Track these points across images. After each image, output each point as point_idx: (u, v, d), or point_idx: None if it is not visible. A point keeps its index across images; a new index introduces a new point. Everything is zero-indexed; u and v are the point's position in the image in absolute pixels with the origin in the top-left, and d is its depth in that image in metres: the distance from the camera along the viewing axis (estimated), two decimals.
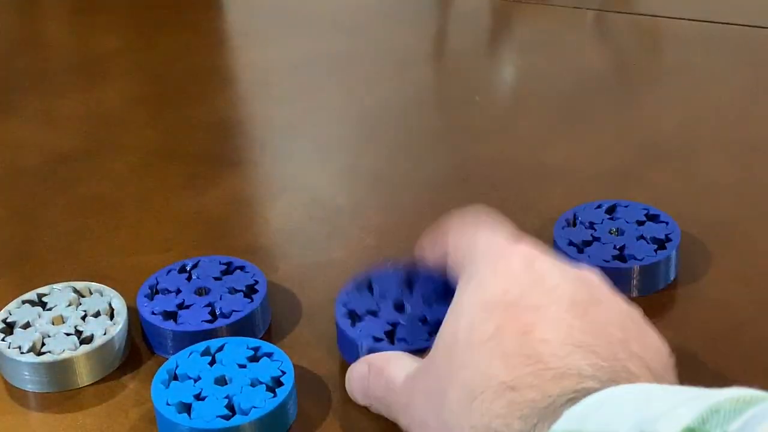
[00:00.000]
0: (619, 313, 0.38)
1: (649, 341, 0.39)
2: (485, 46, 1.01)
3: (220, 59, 0.98)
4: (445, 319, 0.40)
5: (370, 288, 0.51)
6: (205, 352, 0.51)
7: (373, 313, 0.50)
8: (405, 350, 0.46)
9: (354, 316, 0.50)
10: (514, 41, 1.03)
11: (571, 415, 0.30)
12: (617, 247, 0.58)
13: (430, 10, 1.10)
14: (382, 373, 0.44)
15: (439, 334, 0.40)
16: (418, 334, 0.47)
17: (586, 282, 0.39)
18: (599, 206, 0.62)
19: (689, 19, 0.96)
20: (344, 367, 0.50)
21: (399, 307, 0.50)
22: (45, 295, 0.57)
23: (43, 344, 0.53)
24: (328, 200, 0.71)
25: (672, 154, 0.74)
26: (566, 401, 0.32)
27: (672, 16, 0.98)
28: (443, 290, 0.47)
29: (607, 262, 0.56)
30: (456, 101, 0.86)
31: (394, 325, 0.48)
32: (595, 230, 0.60)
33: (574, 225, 0.61)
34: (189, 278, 0.57)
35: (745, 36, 0.94)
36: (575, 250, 0.58)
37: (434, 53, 1.00)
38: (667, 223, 0.60)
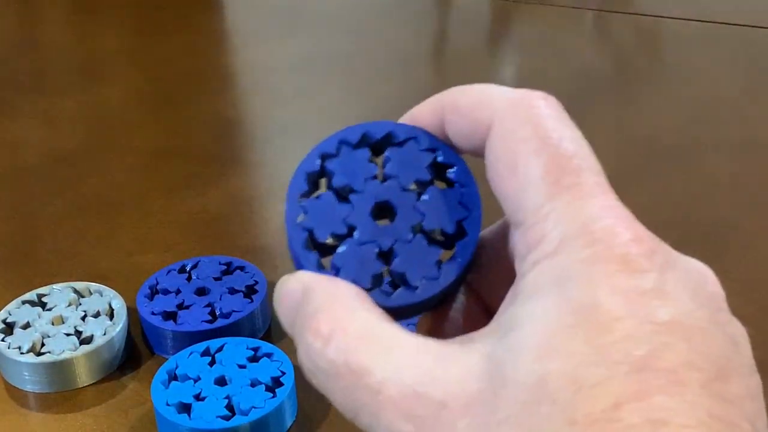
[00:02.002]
0: (751, 375, 0.24)
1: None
2: (485, 46, 1.01)
3: (220, 59, 0.98)
4: (513, 321, 0.23)
5: (319, 178, 0.29)
6: (205, 353, 0.51)
7: (349, 234, 0.27)
8: (406, 303, 0.27)
9: (317, 244, 0.28)
10: (514, 41, 1.03)
11: None
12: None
13: (430, 10, 1.10)
14: (339, 350, 0.24)
15: (505, 358, 0.22)
16: (421, 265, 0.27)
17: (718, 310, 0.25)
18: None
19: (689, 19, 0.96)
20: None
21: (384, 212, 0.28)
22: (45, 295, 0.57)
23: (43, 344, 0.53)
24: None
25: (672, 154, 0.74)
26: None
27: (672, 16, 0.98)
28: (433, 164, 0.28)
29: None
30: None
31: (387, 255, 0.27)
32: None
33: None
34: (189, 278, 0.57)
35: (745, 36, 0.94)
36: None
37: (434, 53, 1.00)
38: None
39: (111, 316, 0.55)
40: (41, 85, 0.91)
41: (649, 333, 0.22)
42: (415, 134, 0.28)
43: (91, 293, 0.57)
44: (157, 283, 0.57)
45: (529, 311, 0.23)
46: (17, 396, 0.53)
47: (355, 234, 0.27)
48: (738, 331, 0.25)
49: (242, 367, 0.50)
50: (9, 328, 0.54)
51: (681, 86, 0.85)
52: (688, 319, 0.23)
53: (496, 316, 0.24)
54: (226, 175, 0.74)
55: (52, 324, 0.54)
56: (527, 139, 0.25)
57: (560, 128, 0.25)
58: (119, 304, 0.56)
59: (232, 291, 0.56)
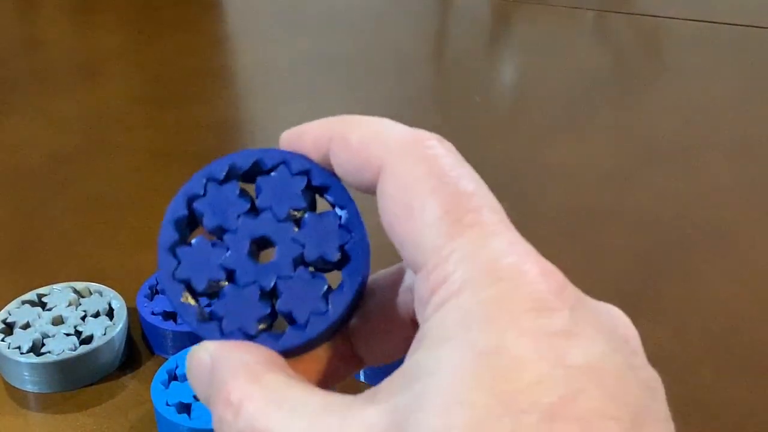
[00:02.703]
0: (667, 423, 0.23)
1: None
2: (485, 46, 1.01)
3: (220, 59, 0.98)
4: (417, 370, 0.21)
5: (193, 219, 0.27)
6: None
7: (229, 278, 0.26)
8: (289, 347, 0.25)
9: (196, 294, 0.26)
10: (514, 41, 1.03)
11: None
12: None
13: (430, 10, 1.10)
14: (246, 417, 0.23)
15: (407, 413, 0.21)
16: (307, 300, 0.25)
17: (633, 354, 0.23)
18: None
19: (689, 19, 0.96)
20: None
21: (263, 248, 0.27)
22: (45, 295, 0.57)
23: (43, 344, 0.53)
24: None
25: (672, 154, 0.74)
26: None
27: (672, 16, 0.98)
28: (308, 194, 0.26)
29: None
30: (456, 101, 0.86)
31: (272, 294, 0.25)
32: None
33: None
34: None
35: (745, 36, 0.94)
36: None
37: (434, 53, 1.00)
38: None
39: (111, 316, 0.55)
40: (41, 85, 0.91)
41: (561, 378, 0.20)
42: (283, 158, 0.26)
43: (91, 293, 0.57)
44: (157, 283, 0.57)
45: (433, 359, 0.21)
46: (17, 396, 0.53)
47: (235, 277, 0.25)
48: (652, 375, 0.23)
49: None
50: (9, 328, 0.54)
51: (681, 86, 0.85)
52: (602, 362, 0.21)
53: (401, 366, 0.23)
54: None
55: (52, 324, 0.54)
56: (423, 178, 0.23)
57: (457, 167, 0.24)
58: (119, 304, 0.56)
59: None
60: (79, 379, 0.53)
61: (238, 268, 0.25)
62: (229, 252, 0.25)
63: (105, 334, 0.53)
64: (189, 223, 0.26)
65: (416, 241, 0.23)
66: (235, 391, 0.23)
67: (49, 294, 0.57)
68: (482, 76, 0.92)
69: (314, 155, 0.26)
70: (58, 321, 0.55)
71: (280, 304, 0.25)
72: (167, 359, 0.51)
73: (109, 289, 0.57)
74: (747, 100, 0.83)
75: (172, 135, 0.80)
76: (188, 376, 0.26)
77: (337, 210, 0.26)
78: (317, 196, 0.26)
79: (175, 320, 0.54)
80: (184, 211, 0.26)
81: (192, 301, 0.25)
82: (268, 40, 0.99)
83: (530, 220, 0.65)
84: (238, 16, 1.11)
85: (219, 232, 0.26)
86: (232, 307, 0.25)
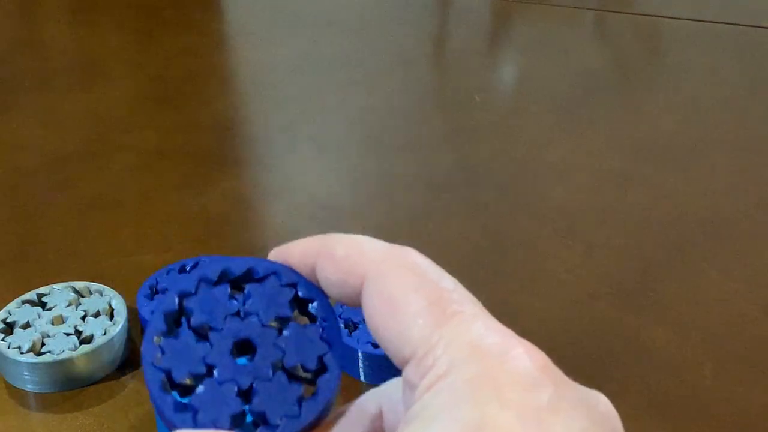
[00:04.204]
0: None
1: None
2: (485, 46, 1.01)
3: (220, 59, 0.98)
4: None
5: (179, 319, 0.28)
6: None
7: (208, 373, 0.27)
8: None
9: (175, 385, 0.27)
10: (514, 41, 1.03)
11: None
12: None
13: (430, 10, 1.10)
14: None
15: None
16: (281, 402, 0.26)
17: (612, 430, 0.25)
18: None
19: (689, 19, 0.96)
20: (346, 367, 0.50)
21: (244, 349, 0.28)
22: (45, 295, 0.57)
23: (43, 344, 0.53)
24: (328, 200, 0.71)
25: (672, 154, 0.74)
26: None
27: (672, 16, 0.98)
28: (289, 304, 0.28)
29: None
30: (456, 101, 0.86)
31: (248, 393, 0.27)
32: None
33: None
34: None
35: (745, 36, 0.94)
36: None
37: (434, 53, 1.00)
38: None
39: (111, 316, 0.55)
40: (41, 85, 0.91)
41: None
42: (275, 269, 0.28)
43: (91, 293, 0.57)
44: (157, 283, 0.57)
45: None
46: (17, 396, 0.53)
47: (215, 373, 0.26)
48: (611, 413, 0.24)
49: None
50: (9, 328, 0.54)
51: (681, 86, 0.85)
52: None
53: None
54: (226, 175, 0.74)
55: (52, 324, 0.54)
56: (405, 279, 0.25)
57: (436, 270, 0.26)
58: (119, 304, 0.56)
59: None
60: (79, 379, 0.53)
61: (219, 364, 0.27)
62: (212, 349, 0.27)
63: (105, 334, 0.53)
64: (176, 317, 0.28)
65: (404, 335, 0.24)
66: None
67: (49, 294, 0.57)
68: (482, 76, 0.92)
69: (301, 270, 0.28)
70: (58, 321, 0.55)
71: (255, 404, 0.26)
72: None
73: (109, 289, 0.57)
74: (747, 100, 0.83)
75: (172, 135, 0.80)
76: None
77: (319, 323, 0.27)
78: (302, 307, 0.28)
79: None
80: (175, 306, 0.27)
81: (170, 391, 0.26)
82: (268, 40, 0.99)
83: (530, 220, 0.65)
84: (238, 16, 1.11)
85: (205, 329, 0.27)
86: (208, 401, 0.26)
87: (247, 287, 0.28)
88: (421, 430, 0.22)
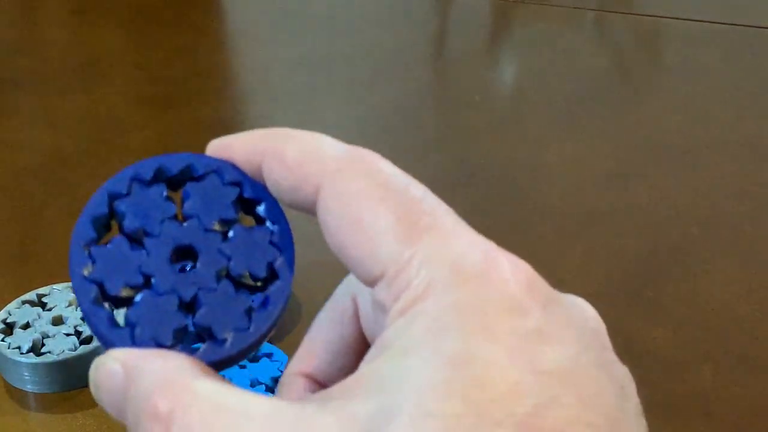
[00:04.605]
0: (639, 420, 0.22)
1: None
2: (485, 46, 1.01)
3: (220, 59, 0.98)
4: (383, 379, 0.20)
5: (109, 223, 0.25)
6: None
7: (146, 284, 0.24)
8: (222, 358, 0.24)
9: (109, 298, 0.24)
10: (514, 41, 1.03)
11: None
12: None
13: (430, 10, 1.10)
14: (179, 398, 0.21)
15: (374, 424, 0.19)
16: (229, 315, 0.24)
17: (603, 349, 0.23)
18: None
19: (689, 19, 0.97)
20: None
21: (185, 257, 0.25)
22: (45, 295, 0.57)
23: (43, 344, 0.53)
24: None
25: (672, 154, 0.74)
26: None
27: (672, 16, 0.98)
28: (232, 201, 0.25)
29: None
30: (456, 101, 0.86)
31: (191, 306, 0.24)
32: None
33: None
34: None
35: (745, 36, 0.94)
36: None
37: (434, 53, 1.00)
38: None
39: None
40: (41, 85, 0.91)
41: (534, 385, 0.19)
42: (216, 167, 0.25)
43: None
44: None
45: (400, 369, 0.20)
46: (17, 396, 0.53)
47: (153, 283, 0.24)
48: (623, 372, 0.22)
49: (242, 367, 0.50)
50: (9, 328, 0.54)
51: (681, 86, 0.85)
52: (576, 365, 0.20)
53: (357, 371, 0.21)
54: None
55: (52, 324, 0.54)
56: (368, 190, 0.22)
57: (401, 176, 0.23)
58: None
59: None
60: (79, 379, 0.53)
61: (157, 274, 0.24)
62: (149, 257, 0.24)
63: None
64: (106, 222, 0.25)
65: (371, 252, 0.22)
66: (165, 400, 0.21)
67: (49, 294, 0.57)
68: (482, 76, 0.92)
69: (245, 168, 0.25)
70: (58, 321, 0.55)
71: (199, 317, 0.23)
72: None
73: None
74: (747, 99, 0.83)
75: (172, 135, 0.80)
76: (94, 390, 0.23)
77: (268, 225, 0.25)
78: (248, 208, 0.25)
79: None
80: (105, 209, 0.24)
81: (104, 305, 0.23)
82: (268, 40, 0.99)
83: (530, 220, 0.65)
84: (238, 16, 1.11)
85: (140, 234, 0.24)
86: (146, 315, 0.23)
87: (186, 186, 0.25)
88: (400, 360, 0.20)
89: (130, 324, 0.23)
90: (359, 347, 0.26)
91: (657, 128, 0.78)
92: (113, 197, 0.25)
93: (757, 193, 0.69)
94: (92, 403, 0.52)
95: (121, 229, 0.24)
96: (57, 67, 0.96)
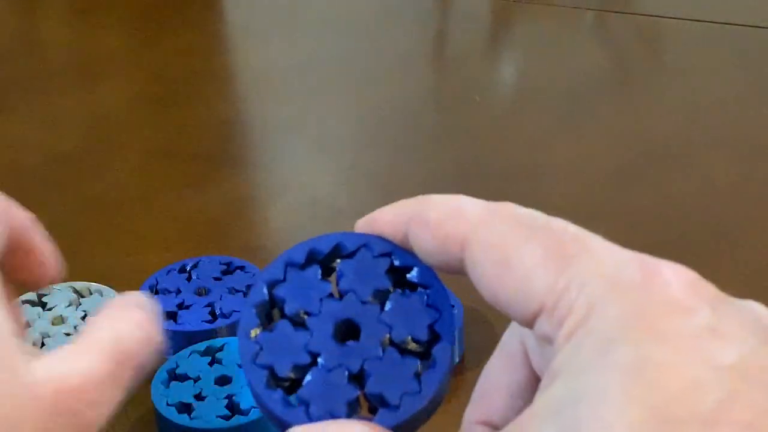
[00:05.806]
0: None
1: None
2: (485, 46, 1.01)
3: (220, 59, 0.98)
4: (551, 404, 0.21)
5: (271, 311, 0.27)
6: (206, 352, 0.51)
7: (313, 362, 0.25)
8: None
9: (280, 380, 0.25)
10: (514, 41, 1.03)
11: None
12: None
13: (430, 10, 1.10)
14: None
15: None
16: (398, 380, 0.25)
17: None
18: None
19: (689, 19, 0.96)
20: None
21: (347, 331, 0.26)
22: (45, 295, 0.57)
23: (43, 344, 0.53)
24: (328, 200, 0.71)
25: (672, 154, 0.74)
26: None
27: (672, 16, 0.98)
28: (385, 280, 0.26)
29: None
30: (456, 101, 0.86)
31: (359, 377, 0.25)
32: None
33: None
34: (189, 278, 0.57)
35: (745, 36, 0.94)
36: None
37: (434, 53, 1.00)
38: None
39: None
40: (41, 85, 0.91)
41: (714, 380, 0.19)
42: (364, 241, 0.26)
43: (91, 293, 0.57)
44: (157, 283, 0.57)
45: (576, 389, 0.20)
46: None
47: (320, 361, 0.25)
48: None
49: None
50: None
51: (681, 86, 0.85)
52: (756, 359, 0.20)
53: (532, 404, 0.21)
54: (226, 175, 0.74)
55: (52, 324, 0.54)
56: (512, 233, 0.23)
57: (541, 215, 0.24)
58: None
59: (233, 291, 0.56)
60: None
61: (323, 351, 0.25)
62: (313, 336, 0.25)
63: None
64: (268, 309, 0.26)
65: (525, 290, 0.22)
66: None
67: (49, 294, 0.57)
68: (482, 76, 0.92)
69: (392, 239, 0.26)
70: (58, 321, 0.55)
71: (370, 386, 0.24)
72: (167, 359, 0.51)
73: (109, 289, 0.57)
74: (747, 100, 0.83)
75: (172, 135, 0.80)
76: None
77: (422, 289, 0.26)
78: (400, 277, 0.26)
79: (175, 320, 0.54)
80: (265, 297, 0.26)
81: (275, 388, 0.24)
82: (268, 40, 0.99)
83: None
84: (238, 16, 1.11)
85: (301, 316, 0.25)
86: (318, 392, 0.24)
87: (338, 264, 0.26)
88: (574, 381, 0.20)
89: (303, 402, 0.24)
90: (533, 387, 0.26)
91: (657, 128, 0.78)
92: (271, 285, 0.26)
93: (756, 193, 0.69)
94: None
95: (282, 314, 0.26)
96: (57, 67, 0.96)
